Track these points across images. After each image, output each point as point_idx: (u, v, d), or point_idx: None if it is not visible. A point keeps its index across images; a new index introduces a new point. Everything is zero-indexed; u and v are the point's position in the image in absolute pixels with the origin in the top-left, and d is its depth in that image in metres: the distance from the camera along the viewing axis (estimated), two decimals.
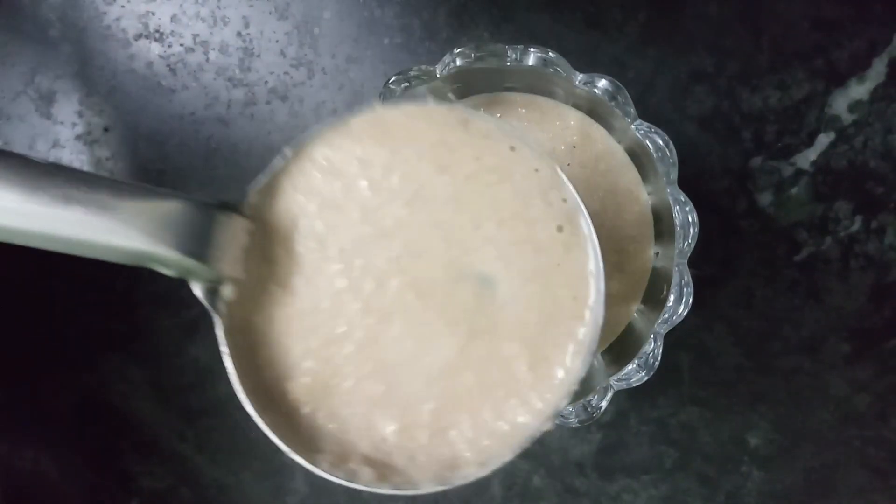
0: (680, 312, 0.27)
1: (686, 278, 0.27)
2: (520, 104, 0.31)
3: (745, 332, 0.37)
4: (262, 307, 0.24)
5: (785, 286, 0.37)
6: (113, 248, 0.20)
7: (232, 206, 0.23)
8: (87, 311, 0.41)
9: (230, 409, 0.41)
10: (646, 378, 0.27)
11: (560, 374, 0.23)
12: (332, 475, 0.22)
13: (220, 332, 0.22)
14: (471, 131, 0.24)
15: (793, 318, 0.37)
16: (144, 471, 0.41)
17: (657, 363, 0.27)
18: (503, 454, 0.23)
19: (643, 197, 0.31)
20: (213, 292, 0.22)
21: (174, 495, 0.42)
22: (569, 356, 0.23)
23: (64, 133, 0.40)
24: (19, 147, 0.41)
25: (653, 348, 0.27)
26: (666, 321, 0.27)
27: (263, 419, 0.22)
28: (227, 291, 0.23)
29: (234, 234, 0.23)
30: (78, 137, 0.40)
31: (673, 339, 0.29)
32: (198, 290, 0.22)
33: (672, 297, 0.27)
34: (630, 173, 0.31)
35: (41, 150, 0.41)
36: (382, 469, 0.23)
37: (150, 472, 0.41)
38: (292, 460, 0.42)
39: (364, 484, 0.22)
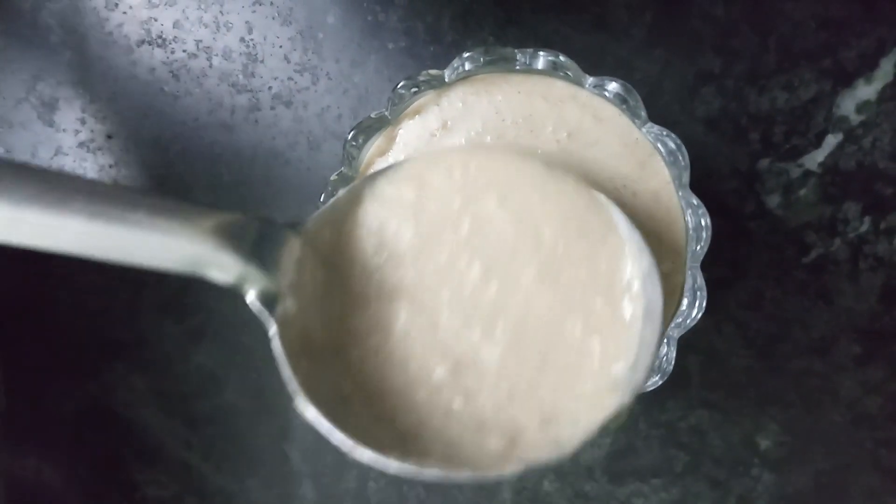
0: (694, 316, 0.26)
1: (699, 282, 0.26)
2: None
3: (754, 334, 0.37)
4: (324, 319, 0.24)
5: (794, 288, 0.36)
6: (174, 252, 0.21)
7: (290, 226, 0.24)
8: (90, 318, 0.41)
9: (236, 416, 0.40)
10: (660, 382, 0.27)
11: None
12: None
13: (276, 341, 0.23)
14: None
15: (802, 320, 0.36)
16: (149, 479, 0.41)
17: (671, 367, 0.26)
18: None
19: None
20: (267, 302, 0.23)
21: None
22: None
23: (66, 140, 0.40)
24: (21, 155, 0.40)
25: (666, 352, 0.27)
26: (679, 325, 0.27)
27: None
28: (289, 302, 0.23)
29: (290, 250, 0.24)
30: (81, 145, 0.40)
31: (682, 342, 0.28)
32: (252, 297, 0.23)
33: (686, 301, 0.26)
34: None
35: (43, 158, 0.40)
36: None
37: (154, 481, 0.41)
38: (299, 467, 0.41)
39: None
